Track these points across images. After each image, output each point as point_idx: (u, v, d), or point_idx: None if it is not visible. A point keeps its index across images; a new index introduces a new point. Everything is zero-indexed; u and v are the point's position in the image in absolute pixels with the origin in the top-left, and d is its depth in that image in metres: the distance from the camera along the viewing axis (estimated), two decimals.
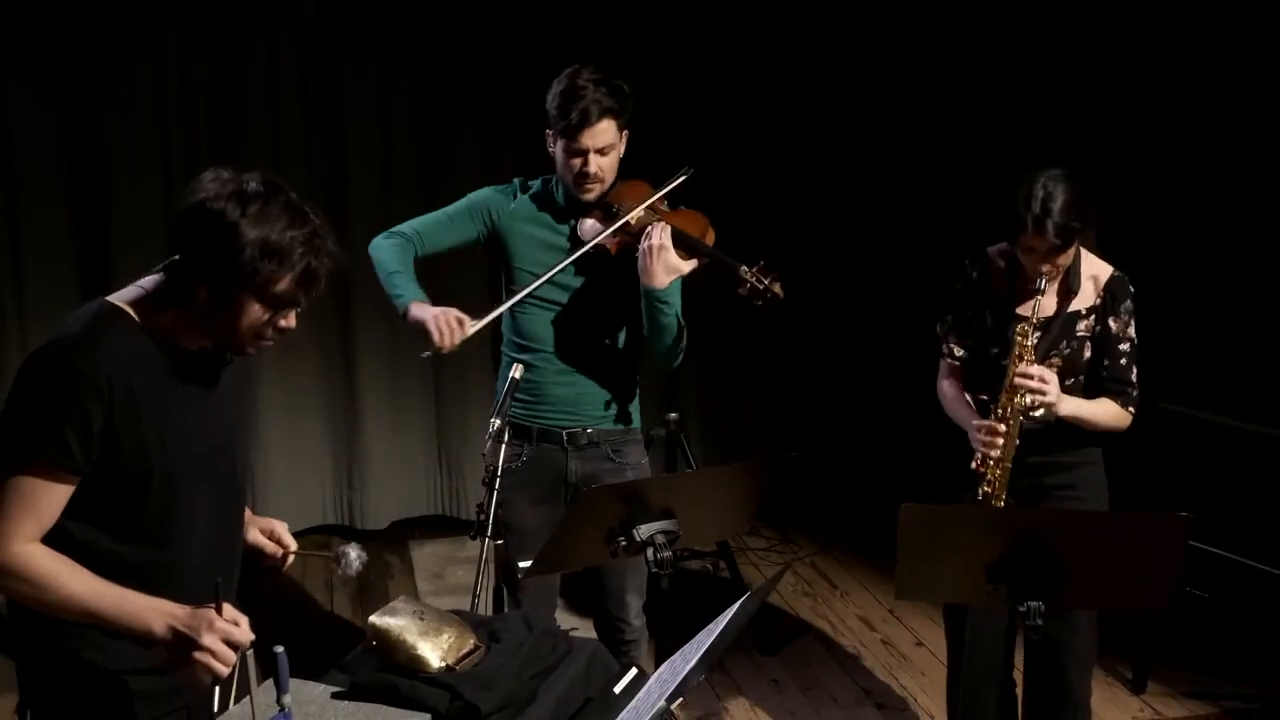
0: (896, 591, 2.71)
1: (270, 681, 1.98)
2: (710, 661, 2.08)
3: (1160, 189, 4.90)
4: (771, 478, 2.80)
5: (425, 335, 3.04)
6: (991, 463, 2.97)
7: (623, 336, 3.21)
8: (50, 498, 2.01)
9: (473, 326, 3.04)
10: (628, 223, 3.08)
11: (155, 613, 2.00)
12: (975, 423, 3.04)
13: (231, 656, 1.97)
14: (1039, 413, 2.97)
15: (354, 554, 2.36)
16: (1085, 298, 3.08)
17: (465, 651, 2.26)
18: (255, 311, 2.03)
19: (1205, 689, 4.14)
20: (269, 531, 2.36)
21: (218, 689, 1.99)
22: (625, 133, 3.13)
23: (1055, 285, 3.06)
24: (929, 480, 3.25)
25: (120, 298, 2.09)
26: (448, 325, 3.02)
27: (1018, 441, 2.98)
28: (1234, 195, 4.76)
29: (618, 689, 2.27)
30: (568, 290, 3.17)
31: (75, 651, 2.10)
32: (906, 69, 5.75)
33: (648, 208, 3.11)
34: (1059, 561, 2.40)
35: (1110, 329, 3.07)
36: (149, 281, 2.11)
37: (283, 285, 2.01)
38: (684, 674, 1.97)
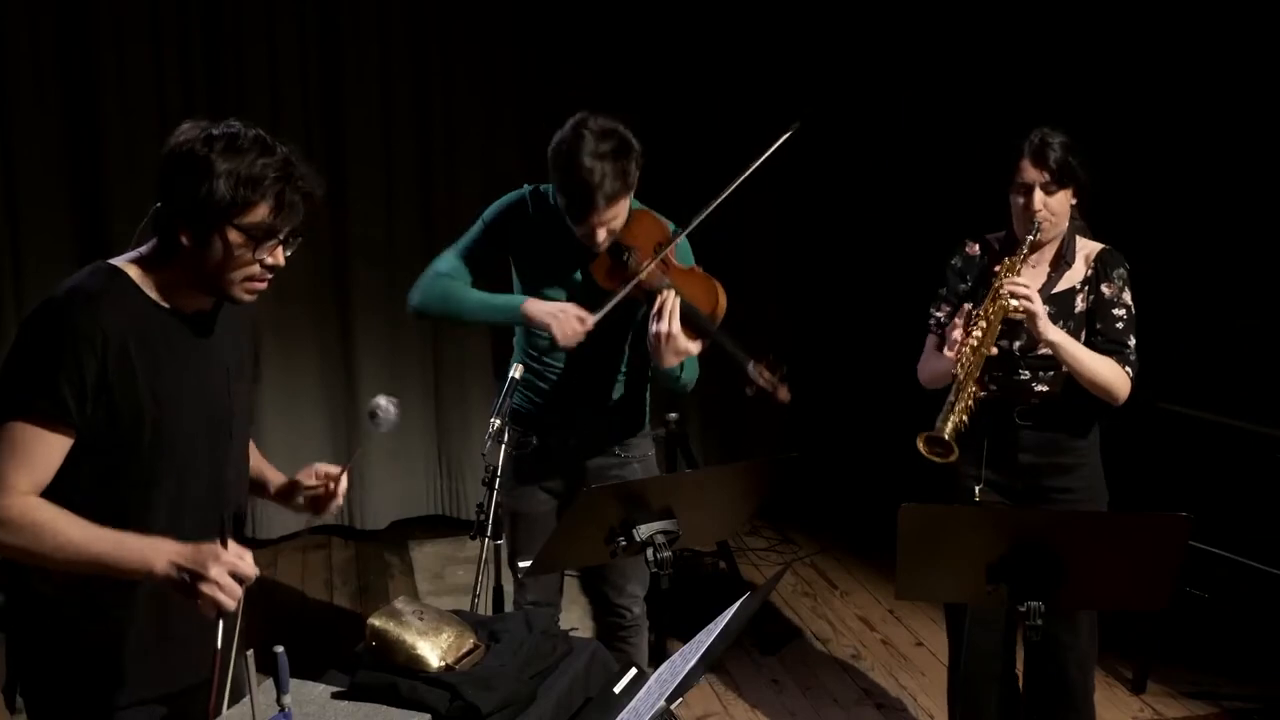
0: (896, 591, 2.70)
1: (270, 681, 1.98)
2: (710, 661, 2.08)
3: (1159, 188, 4.90)
4: (771, 478, 2.80)
5: (549, 333, 2.99)
6: (967, 349, 2.93)
7: (632, 358, 3.20)
8: (46, 450, 2.02)
9: (591, 320, 2.99)
10: (638, 281, 3.00)
11: (156, 550, 2.00)
12: (957, 320, 3.01)
13: (237, 590, 1.97)
14: (1019, 315, 2.92)
15: (384, 401, 2.35)
16: (1077, 273, 3.09)
17: (465, 651, 2.27)
18: (238, 244, 2.04)
19: (1205, 689, 4.14)
20: (312, 475, 2.38)
21: (221, 625, 1.97)
22: (634, 187, 3.02)
23: (1049, 257, 3.08)
24: (928, 480, 3.25)
25: (119, 260, 2.12)
26: (571, 326, 2.97)
27: (994, 350, 2.95)
28: (1234, 195, 4.76)
29: (617, 689, 2.27)
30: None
31: (71, 625, 2.11)
32: (907, 69, 5.76)
33: (659, 263, 3.03)
34: (1059, 562, 2.40)
35: (1103, 294, 3.06)
36: (146, 246, 2.13)
37: (260, 214, 2.03)
38: (684, 674, 1.97)
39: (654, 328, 2.95)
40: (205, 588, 1.95)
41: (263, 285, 2.12)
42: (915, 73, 5.75)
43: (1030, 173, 2.97)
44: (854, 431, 5.95)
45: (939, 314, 3.22)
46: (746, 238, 5.83)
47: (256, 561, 2.06)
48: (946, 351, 2.97)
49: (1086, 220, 3.17)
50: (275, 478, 2.46)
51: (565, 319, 2.98)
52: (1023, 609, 2.41)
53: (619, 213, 2.98)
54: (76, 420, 2.01)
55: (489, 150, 5.52)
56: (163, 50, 5.14)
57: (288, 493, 2.42)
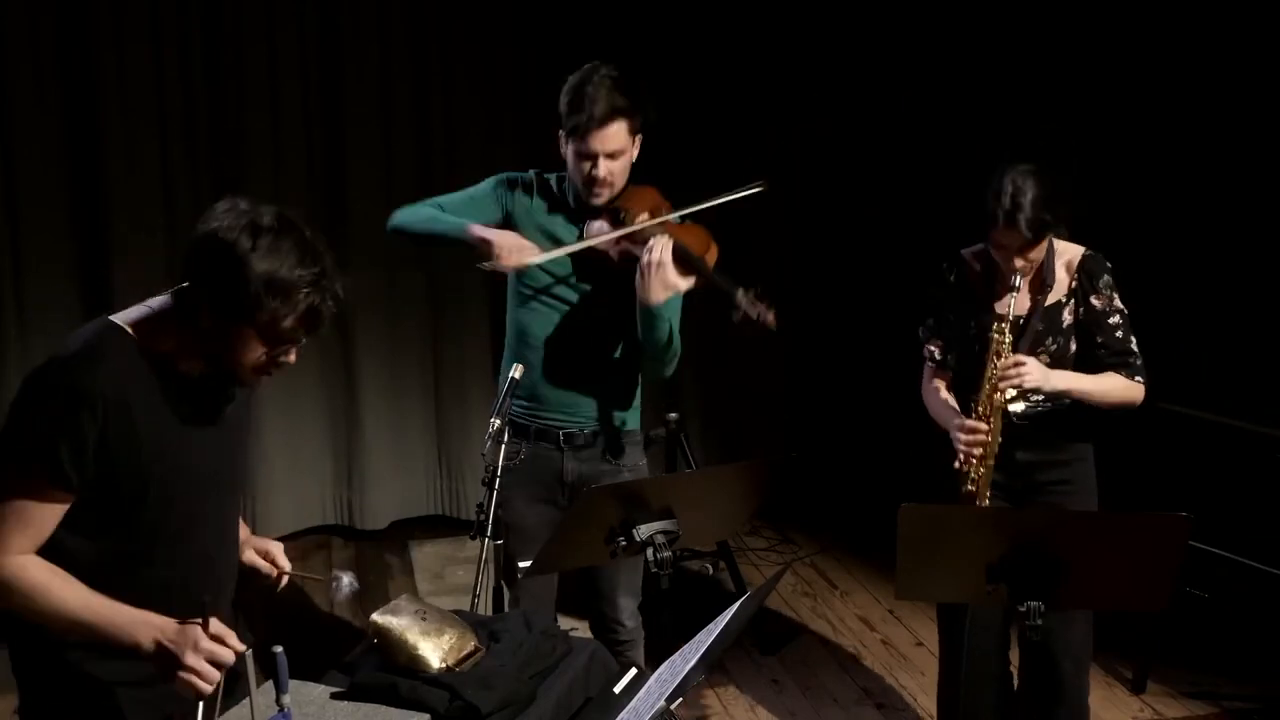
0: (896, 591, 2.70)
1: (270, 682, 1.98)
2: (710, 661, 2.08)
3: (1159, 188, 4.90)
4: (771, 478, 2.80)
5: (489, 250, 3.01)
6: (975, 461, 2.97)
7: (624, 340, 3.19)
8: (43, 513, 2.02)
9: (534, 256, 3.01)
10: (633, 232, 3.04)
11: (143, 626, 2.01)
12: (957, 421, 3.04)
13: (215, 675, 1.97)
14: (1029, 401, 2.95)
15: (346, 580, 2.38)
16: (1061, 286, 3.07)
17: (466, 653, 2.26)
18: (256, 345, 2.03)
19: (1205, 689, 4.14)
20: (264, 552, 2.36)
21: (201, 705, 1.97)
22: (639, 137, 3.08)
23: (1028, 281, 3.07)
24: (928, 480, 3.25)
25: (123, 317, 2.10)
26: (514, 242, 3.01)
27: (1000, 440, 2.98)
28: (1233, 194, 4.76)
29: (617, 689, 2.27)
30: (573, 291, 3.15)
31: (72, 663, 2.11)
32: (902, 67, 5.75)
33: (656, 221, 3.06)
34: (1059, 562, 2.40)
35: (1094, 307, 3.05)
36: (156, 302, 2.12)
37: (286, 323, 2.01)
38: (684, 674, 1.97)
39: (644, 258, 2.97)
40: (183, 674, 1.96)
41: (269, 377, 2.13)
42: (918, 71, 5.75)
43: (1005, 237, 2.93)
44: (854, 431, 5.95)
45: (933, 349, 3.22)
46: (747, 238, 5.82)
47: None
48: (956, 464, 3.00)
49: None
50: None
51: (509, 239, 3.01)
52: (1022, 609, 2.41)
53: (619, 142, 3.01)
54: (76, 484, 2.01)
55: (489, 150, 5.51)
56: (163, 50, 5.14)
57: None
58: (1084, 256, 3.08)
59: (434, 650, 2.22)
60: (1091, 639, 3.23)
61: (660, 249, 2.96)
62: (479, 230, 3.06)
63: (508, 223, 3.17)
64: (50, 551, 2.04)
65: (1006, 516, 2.76)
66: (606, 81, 2.98)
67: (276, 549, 2.37)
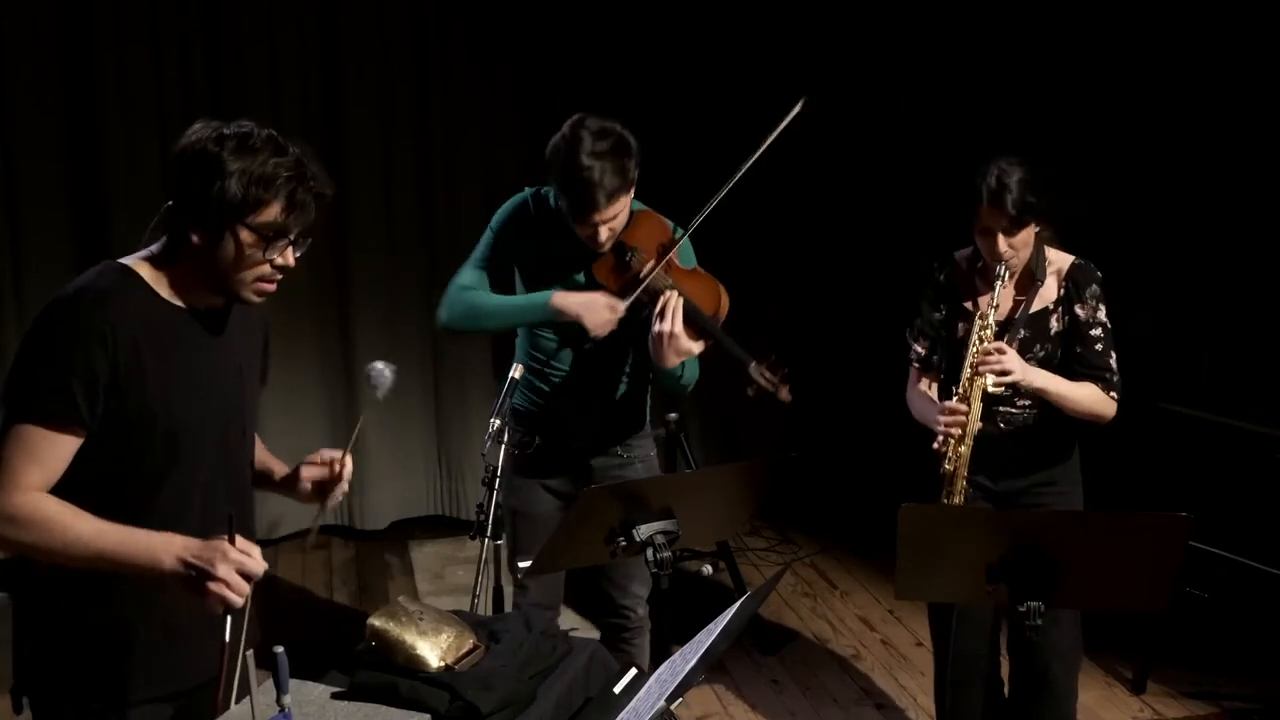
0: (896, 592, 2.70)
1: (270, 682, 1.98)
2: (710, 662, 2.08)
3: (1158, 189, 4.90)
4: (771, 478, 2.80)
5: (581, 324, 2.99)
6: (953, 441, 2.96)
7: (634, 357, 3.19)
8: (56, 449, 2.02)
9: (622, 307, 3.00)
10: (642, 284, 3.01)
11: (165, 546, 1.99)
12: (938, 405, 3.04)
13: (245, 587, 1.96)
14: (997, 389, 2.93)
15: (381, 365, 2.36)
16: (1049, 292, 3.07)
17: (465, 651, 2.26)
18: (249, 244, 2.03)
19: (1205, 689, 4.14)
20: (315, 460, 2.42)
21: (229, 620, 1.97)
22: (634, 186, 3.02)
23: (1016, 279, 3.06)
24: (928, 480, 3.25)
25: (128, 259, 2.12)
26: (602, 315, 2.98)
27: (980, 424, 2.96)
28: (1232, 194, 4.76)
29: (617, 689, 2.27)
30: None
31: (76, 632, 2.11)
32: (902, 68, 5.75)
33: (663, 266, 3.04)
34: (1058, 562, 2.40)
35: (1078, 316, 3.04)
36: (155, 246, 2.13)
37: (271, 213, 2.02)
38: (684, 674, 1.97)
39: (656, 327, 2.95)
40: (213, 585, 1.95)
41: (272, 286, 2.12)
42: (918, 71, 5.75)
43: (990, 217, 2.93)
44: (854, 431, 5.95)
45: (918, 348, 3.22)
46: (747, 238, 5.83)
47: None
48: (935, 445, 2.99)
49: (1055, 229, 3.14)
50: (279, 468, 2.48)
51: (595, 307, 2.99)
52: (1022, 609, 2.41)
53: (620, 210, 2.98)
54: (87, 419, 2.01)
55: (489, 150, 5.52)
56: (163, 50, 5.14)
57: (292, 481, 2.44)
58: (1074, 265, 3.08)
59: (432, 649, 2.22)
60: (1080, 640, 3.23)
61: (671, 317, 2.92)
62: (559, 303, 3.01)
63: (513, 261, 3.15)
64: (63, 493, 2.03)
65: (1006, 517, 2.76)
66: (597, 163, 2.86)
67: (323, 451, 2.44)
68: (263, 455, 2.48)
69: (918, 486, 3.02)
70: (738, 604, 2.16)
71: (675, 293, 2.96)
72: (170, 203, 2.07)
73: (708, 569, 5.16)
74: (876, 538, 3.49)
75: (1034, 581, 2.42)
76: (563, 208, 3.01)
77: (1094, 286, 3.05)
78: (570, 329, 3.10)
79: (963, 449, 2.96)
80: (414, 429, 5.73)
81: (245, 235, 2.03)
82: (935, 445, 2.98)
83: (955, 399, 2.98)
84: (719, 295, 3.10)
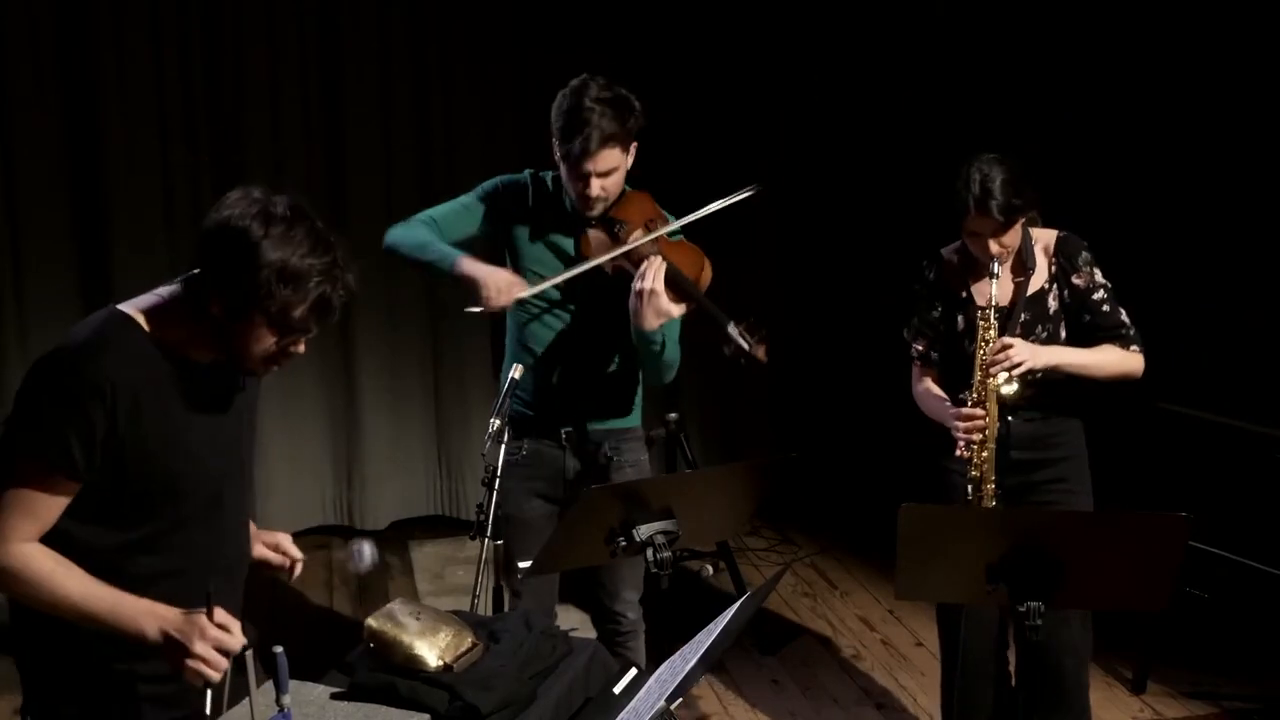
0: (896, 592, 2.70)
1: (270, 682, 1.98)
2: (710, 662, 2.08)
3: (1159, 187, 4.90)
4: (771, 478, 2.80)
5: (475, 290, 3.01)
6: (975, 446, 2.98)
7: (621, 345, 3.20)
8: (50, 501, 2.01)
9: (523, 290, 3.02)
10: (627, 251, 3.05)
11: (149, 616, 2.00)
12: (952, 411, 3.06)
13: (223, 663, 1.97)
14: (1016, 378, 2.95)
15: (368, 549, 2.35)
16: (1041, 272, 3.09)
17: (463, 650, 2.26)
18: (266, 334, 2.03)
19: (1205, 689, 4.14)
20: (274, 545, 2.36)
21: (209, 693, 1.98)
22: (633, 146, 3.07)
23: (1008, 267, 3.08)
24: (928, 480, 3.25)
25: (132, 305, 2.09)
26: (501, 281, 3.00)
27: (999, 423, 2.99)
28: (1232, 194, 4.76)
29: (617, 689, 2.27)
30: (569, 297, 3.16)
31: (80, 652, 2.11)
32: (899, 63, 5.76)
33: (650, 236, 3.07)
34: (1059, 562, 2.40)
35: (1077, 286, 3.07)
36: (165, 291, 2.11)
37: (297, 312, 2.00)
38: (684, 674, 1.97)
39: (637, 285, 2.98)
40: (190, 662, 1.96)
41: (277, 366, 2.11)
42: (906, 72, 5.75)
43: (978, 224, 2.97)
44: (854, 431, 5.95)
45: (919, 346, 3.25)
46: (745, 237, 5.82)
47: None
48: (958, 453, 3.01)
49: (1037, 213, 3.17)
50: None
51: (497, 277, 3.01)
52: (1022, 609, 2.41)
53: (613, 166, 3.01)
54: (83, 473, 2.01)
55: (489, 150, 5.52)
56: (162, 50, 5.14)
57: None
58: (1059, 238, 3.11)
59: (430, 649, 2.22)
60: (1091, 637, 3.23)
61: (652, 275, 2.97)
62: (466, 267, 3.05)
63: (502, 234, 3.17)
64: (57, 542, 2.03)
65: (1006, 517, 2.76)
66: (597, 106, 2.96)
67: (285, 539, 2.37)
68: None
69: (918, 486, 3.02)
70: (738, 604, 2.16)
71: (658, 256, 3.01)
72: (197, 270, 2.05)
73: (708, 569, 5.16)
74: (877, 538, 3.49)
75: (1034, 581, 2.42)
76: (559, 156, 3.03)
77: (1084, 254, 3.09)
78: (548, 316, 3.14)
79: (985, 453, 2.98)
80: (414, 429, 5.73)
81: (263, 325, 2.01)
82: (959, 453, 3.01)
83: (970, 404, 3.00)
84: (702, 263, 3.14)
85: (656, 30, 5.57)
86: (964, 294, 3.13)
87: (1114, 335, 3.06)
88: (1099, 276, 3.08)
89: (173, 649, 1.98)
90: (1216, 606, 4.15)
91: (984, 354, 2.97)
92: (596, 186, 3.02)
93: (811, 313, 6.02)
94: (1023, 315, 3.07)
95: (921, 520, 2.48)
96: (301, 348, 2.09)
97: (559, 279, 3.07)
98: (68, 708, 2.15)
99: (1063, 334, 3.09)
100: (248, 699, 1.94)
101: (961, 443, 3.00)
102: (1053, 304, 3.08)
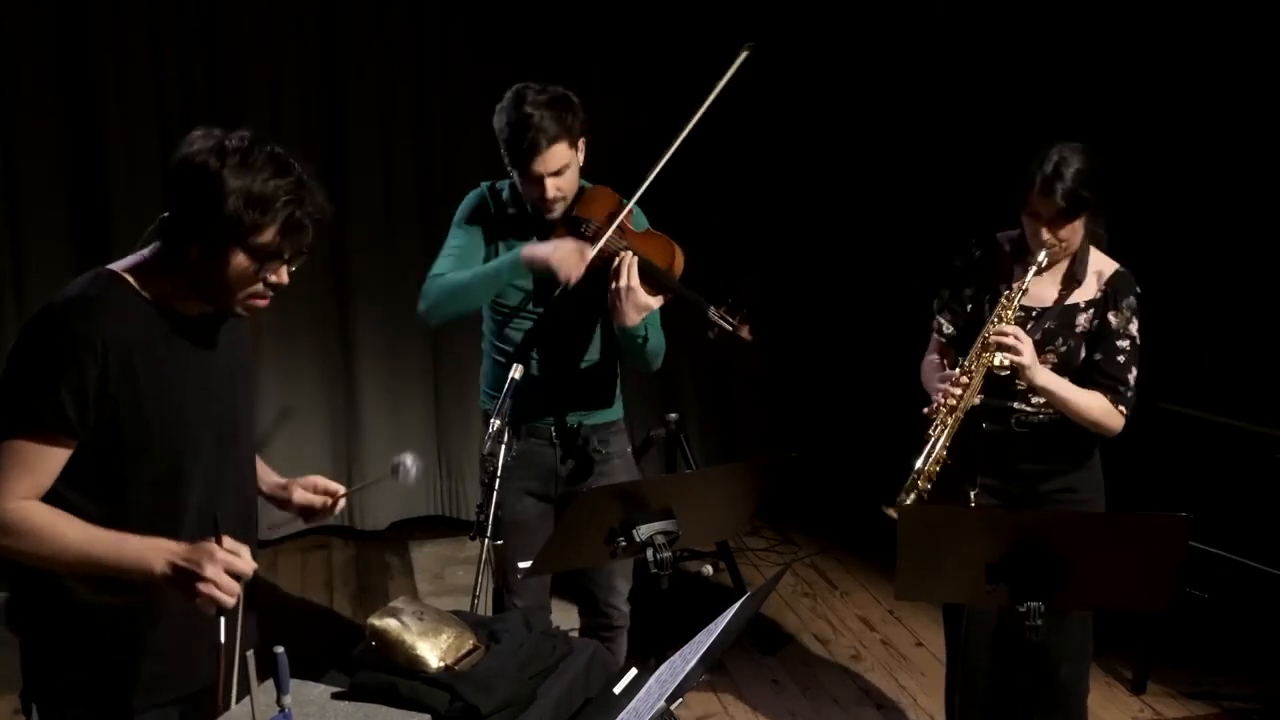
0: (896, 592, 2.70)
1: (270, 682, 1.98)
2: (710, 662, 2.08)
3: (1160, 187, 4.90)
4: (771, 478, 2.80)
5: (550, 272, 3.02)
6: (944, 410, 2.90)
7: (598, 338, 3.24)
8: (46, 459, 2.01)
9: (590, 251, 3.02)
10: (599, 250, 3.05)
11: (154, 550, 2.00)
12: (940, 374, 3.00)
13: (235, 587, 1.96)
14: (1004, 370, 2.88)
15: (410, 461, 2.33)
16: (1087, 291, 3.02)
17: (465, 652, 2.26)
18: (243, 264, 2.02)
19: (1205, 689, 4.14)
20: (312, 486, 2.37)
21: (223, 621, 1.96)
22: (582, 142, 3.10)
23: (1060, 273, 3.01)
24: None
25: (118, 264, 2.10)
26: (572, 257, 3.00)
27: (977, 400, 2.92)
28: (1233, 193, 4.76)
29: (617, 689, 2.27)
30: (542, 296, 3.18)
31: (81, 636, 2.11)
32: (899, 67, 5.75)
33: (616, 230, 3.09)
34: (1059, 562, 2.40)
35: (1109, 323, 2.99)
36: (147, 250, 2.12)
37: (267, 235, 2.00)
38: (684, 674, 1.97)
39: (613, 285, 3.00)
40: (203, 586, 1.95)
41: (264, 303, 2.11)
42: (910, 66, 5.75)
43: (1039, 203, 2.88)
44: (854, 431, 5.94)
45: (944, 321, 3.17)
46: (743, 236, 5.83)
47: (257, 562, 2.06)
48: (925, 409, 2.94)
49: (1105, 230, 3.09)
50: (268, 476, 2.45)
51: (564, 250, 3.01)
52: (1023, 609, 2.41)
53: (563, 164, 3.04)
54: (78, 429, 2.01)
55: (489, 150, 5.48)
56: (163, 50, 5.14)
57: (280, 494, 2.41)
58: (1116, 272, 3.02)
59: (432, 649, 2.22)
60: (1090, 642, 3.22)
61: (627, 273, 2.99)
62: (530, 255, 3.05)
63: (481, 257, 3.20)
64: (56, 501, 2.03)
65: (1006, 517, 2.76)
66: (536, 110, 2.99)
67: (321, 480, 2.39)
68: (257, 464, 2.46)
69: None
70: (738, 604, 2.16)
71: (629, 251, 3.03)
72: (167, 214, 2.06)
73: (707, 569, 5.16)
74: (877, 538, 3.48)
75: (1034, 582, 2.42)
76: (509, 163, 3.08)
77: (1131, 298, 3.00)
78: (534, 308, 3.17)
79: (951, 420, 2.90)
80: (414, 429, 5.73)
81: (239, 255, 2.01)
82: (926, 410, 2.93)
83: (959, 370, 2.93)
84: (673, 251, 3.16)
85: (656, 30, 5.56)
86: (1002, 285, 3.03)
87: (1110, 387, 2.97)
88: (1133, 328, 2.99)
89: (182, 579, 1.97)
90: (1217, 606, 4.15)
91: (990, 330, 2.90)
92: (552, 187, 3.06)
93: (812, 312, 6.02)
94: (1049, 322, 2.99)
95: (921, 520, 2.49)
96: (284, 277, 2.08)
97: (601, 242, 3.04)
98: (69, 700, 2.15)
99: (1082, 354, 3.00)
100: (248, 699, 1.94)
101: (935, 401, 2.92)
102: (1082, 324, 3.00)
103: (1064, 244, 2.93)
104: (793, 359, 6.02)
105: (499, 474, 2.87)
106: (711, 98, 3.19)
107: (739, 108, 5.71)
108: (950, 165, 5.55)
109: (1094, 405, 2.95)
